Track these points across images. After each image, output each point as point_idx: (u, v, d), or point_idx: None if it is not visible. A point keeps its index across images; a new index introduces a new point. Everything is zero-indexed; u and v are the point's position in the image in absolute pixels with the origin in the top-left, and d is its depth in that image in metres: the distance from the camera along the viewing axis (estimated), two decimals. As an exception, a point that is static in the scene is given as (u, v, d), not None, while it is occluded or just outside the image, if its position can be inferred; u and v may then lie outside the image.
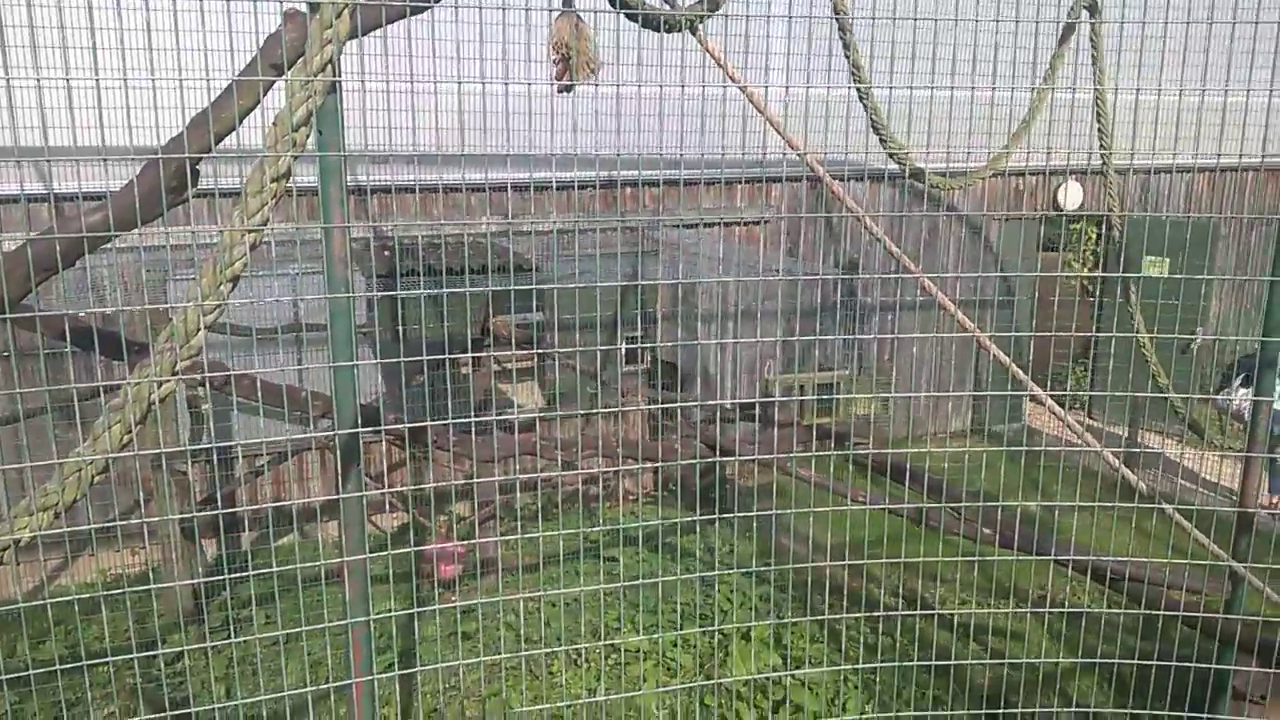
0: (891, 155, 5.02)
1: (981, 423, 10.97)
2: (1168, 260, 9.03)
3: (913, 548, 6.49)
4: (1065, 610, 6.61)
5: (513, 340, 7.90)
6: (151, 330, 5.97)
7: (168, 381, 2.29)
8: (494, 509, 7.54)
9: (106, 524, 6.31)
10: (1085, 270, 10.53)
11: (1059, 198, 10.50)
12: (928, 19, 3.46)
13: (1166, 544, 6.25)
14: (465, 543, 7.47)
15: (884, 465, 6.41)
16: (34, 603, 6.32)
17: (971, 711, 5.70)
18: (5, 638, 6.33)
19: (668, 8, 3.45)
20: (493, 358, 8.07)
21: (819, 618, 5.89)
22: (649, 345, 8.61)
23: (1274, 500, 8.90)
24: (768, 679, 5.99)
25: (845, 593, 6.43)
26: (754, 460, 6.57)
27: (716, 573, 6.84)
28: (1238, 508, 4.61)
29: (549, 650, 5.85)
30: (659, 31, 3.26)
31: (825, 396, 8.43)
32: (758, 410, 7.95)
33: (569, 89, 3.45)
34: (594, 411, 7.73)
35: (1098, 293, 10.53)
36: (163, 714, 4.60)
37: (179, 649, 5.86)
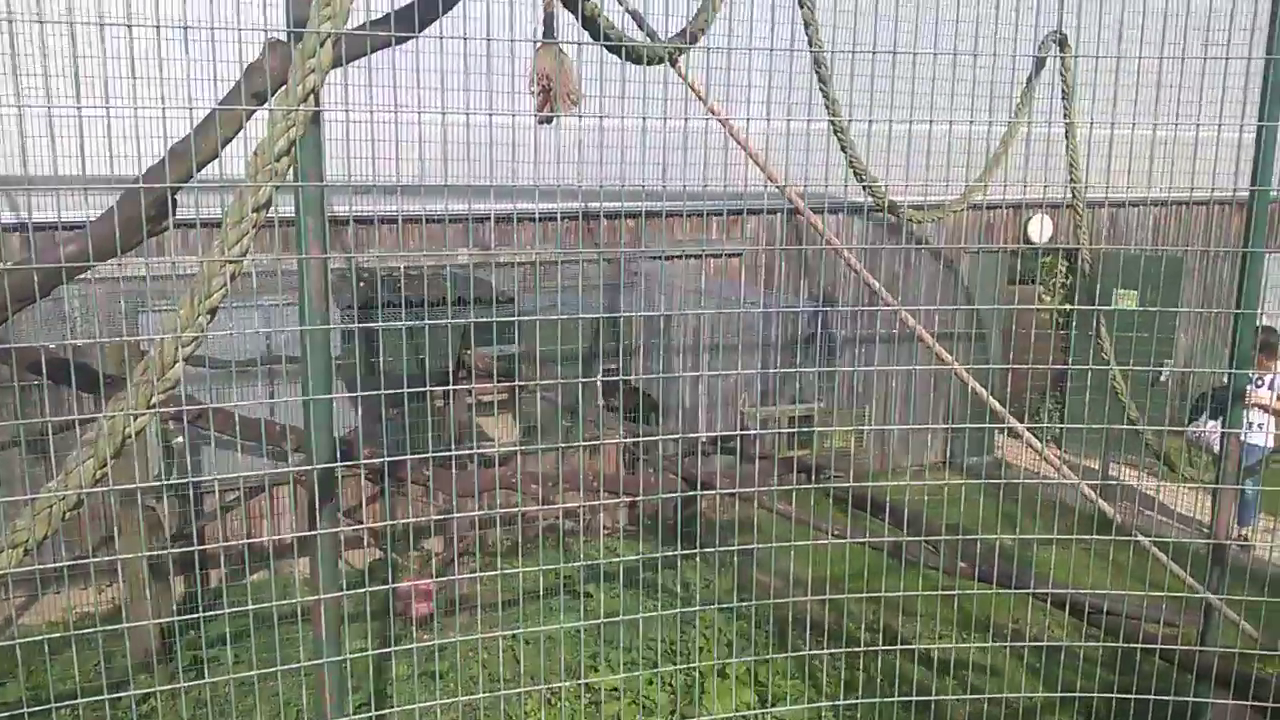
0: (866, 188, 5.06)
1: (953, 456, 11.01)
2: (1135, 293, 9.15)
3: (889, 583, 6.47)
4: (1043, 645, 6.61)
5: (492, 373, 7.85)
6: (120, 364, 5.88)
7: (144, 415, 2.24)
8: (468, 545, 7.46)
9: (75, 561, 6.15)
10: (1056, 303, 10.64)
11: (1029, 231, 10.63)
12: (904, 52, 3.49)
13: (1140, 577, 6.28)
14: (438, 581, 7.37)
15: (859, 499, 6.41)
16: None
17: (951, 747, 5.67)
18: (-36, 679, 6.16)
19: (648, 40, 3.47)
20: (468, 391, 8.02)
21: (796, 654, 5.85)
22: (625, 378, 8.59)
23: (1243, 533, 8.96)
24: (744, 717, 5.92)
25: (824, 630, 6.39)
26: (731, 494, 6.54)
27: (695, 608, 6.78)
28: (1211, 540, 4.64)
29: (523, 690, 5.77)
30: (639, 64, 3.27)
31: (802, 430, 8.44)
32: (736, 444, 7.94)
33: (550, 120, 3.45)
34: (570, 445, 7.68)
35: (1070, 325, 10.64)
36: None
37: (147, 690, 5.72)
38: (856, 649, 5.98)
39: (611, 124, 3.56)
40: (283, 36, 3.08)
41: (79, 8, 6.10)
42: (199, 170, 2.80)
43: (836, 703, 5.70)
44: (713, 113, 3.49)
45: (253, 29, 2.73)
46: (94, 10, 5.73)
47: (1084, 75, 6.85)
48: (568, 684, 6.07)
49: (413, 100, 3.33)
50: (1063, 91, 6.01)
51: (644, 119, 2.85)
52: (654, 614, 3.86)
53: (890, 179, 5.75)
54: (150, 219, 2.63)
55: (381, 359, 7.13)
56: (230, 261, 2.15)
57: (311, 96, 2.07)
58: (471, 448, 6.91)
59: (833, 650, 5.52)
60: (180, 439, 6.97)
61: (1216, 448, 8.28)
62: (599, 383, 8.45)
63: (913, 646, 6.85)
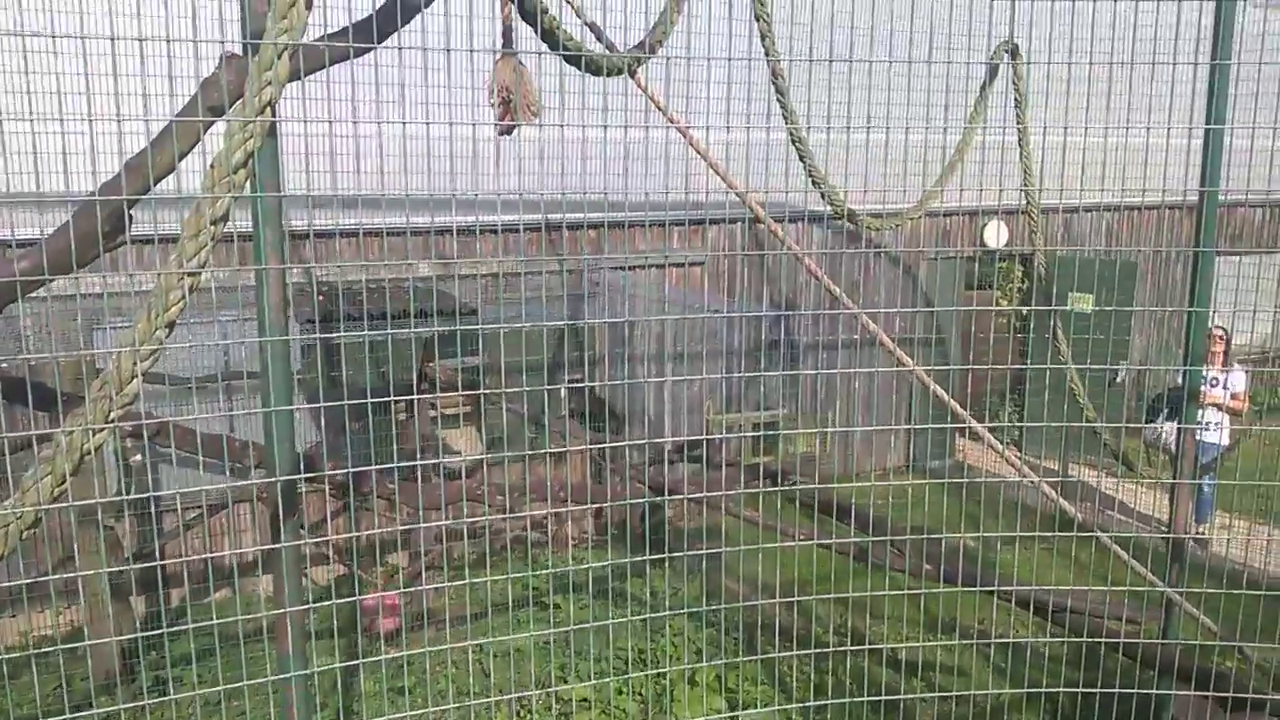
0: (824, 196, 5.11)
1: (915, 459, 11.12)
2: (1091, 296, 9.31)
3: (855, 586, 6.51)
4: (1008, 641, 6.68)
5: (456, 383, 7.82)
6: (76, 381, 5.79)
7: (102, 430, 2.22)
8: (433, 558, 7.41)
9: (36, 579, 6.06)
10: (1012, 307, 10.80)
11: (985, 237, 10.79)
12: (860, 61, 3.54)
13: (1101, 576, 6.37)
14: (402, 591, 7.32)
15: (824, 503, 6.45)
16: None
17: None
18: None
19: (606, 52, 3.49)
20: (430, 403, 7.98)
21: (764, 657, 5.88)
22: (586, 383, 8.59)
23: (1200, 529, 9.10)
24: (713, 724, 5.95)
25: (792, 634, 6.42)
26: (696, 499, 6.56)
27: (664, 613, 6.79)
28: (1170, 534, 4.73)
29: (492, 700, 5.74)
30: (598, 75, 3.29)
31: (767, 433, 8.48)
32: (703, 450, 7.96)
33: (511, 131, 3.46)
34: (536, 452, 7.66)
35: (1028, 329, 10.79)
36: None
37: (109, 709, 5.63)
38: (825, 649, 6.03)
39: (572, 135, 3.58)
40: (239, 49, 3.07)
41: (32, 23, 6.02)
42: (155, 184, 2.79)
43: (806, 704, 5.73)
44: (671, 122, 3.52)
45: (209, 41, 2.72)
46: (46, 25, 5.67)
47: (1036, 84, 6.99)
48: (537, 693, 6.05)
49: (372, 114, 3.33)
50: (1015, 99, 6.13)
51: (605, 128, 2.87)
52: (621, 619, 3.86)
53: (848, 187, 5.82)
54: (106, 234, 2.61)
55: (344, 372, 7.09)
56: (188, 274, 2.14)
57: (269, 109, 2.07)
58: (436, 460, 6.88)
59: (801, 652, 5.55)
60: (139, 457, 6.88)
61: (1175, 447, 8.44)
62: (563, 391, 8.45)
63: (879, 646, 6.91)
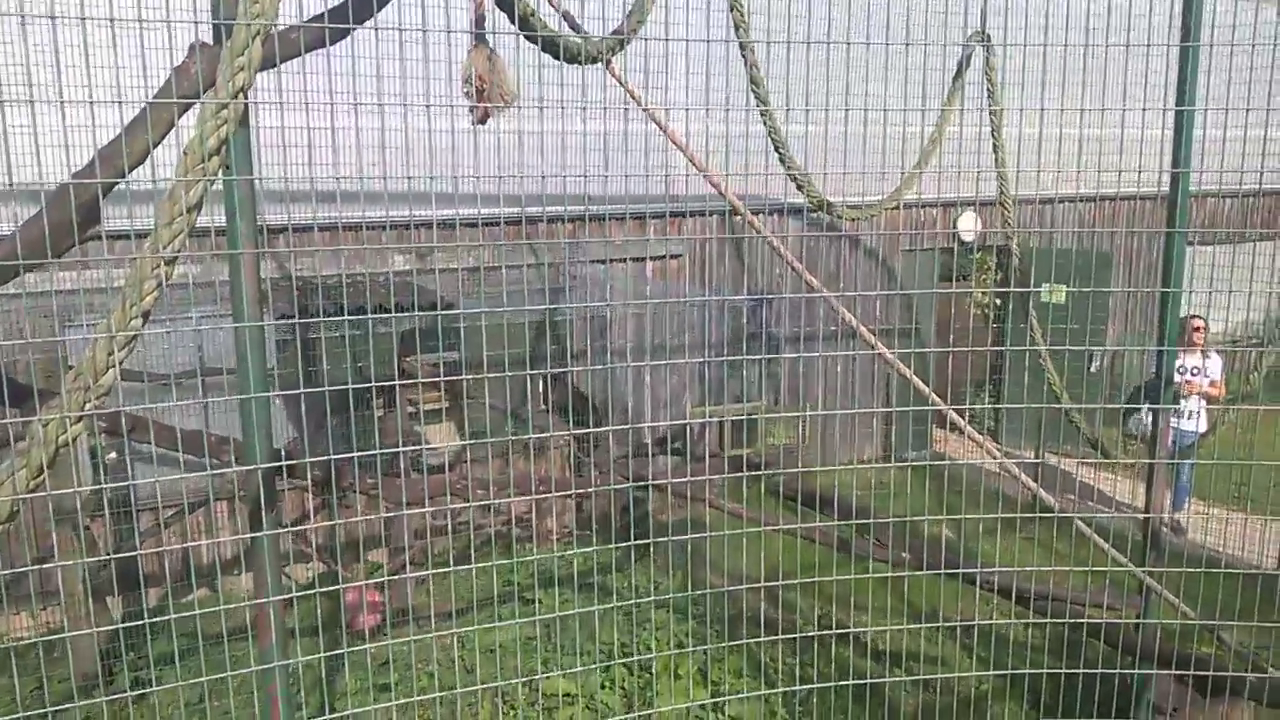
0: (800, 187, 5.13)
1: (893, 450, 11.17)
2: (1064, 287, 9.38)
3: (835, 574, 6.54)
4: (991, 623, 6.73)
5: (433, 379, 7.79)
6: (49, 379, 5.73)
7: (79, 422, 2.20)
8: (414, 553, 7.38)
9: (15, 570, 6.01)
10: (987, 299, 10.87)
11: (959, 228, 10.85)
12: (838, 42, 3.55)
13: (1078, 563, 6.42)
14: (384, 579, 7.29)
15: (804, 495, 6.48)
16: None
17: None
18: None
19: (581, 41, 3.49)
20: (407, 398, 7.95)
21: (740, 642, 5.90)
22: (563, 371, 8.57)
23: (1176, 517, 9.18)
24: (698, 716, 5.95)
25: (775, 625, 6.44)
26: (676, 490, 6.57)
27: (646, 600, 6.79)
28: (1145, 515, 4.77)
29: (473, 689, 5.72)
30: (573, 63, 3.29)
31: (747, 418, 8.50)
32: (681, 443, 7.97)
33: (485, 119, 3.45)
34: (517, 437, 7.65)
35: (1003, 320, 10.87)
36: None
37: (88, 704, 5.58)
38: (808, 636, 6.05)
39: (549, 126, 3.57)
40: (210, 38, 3.04)
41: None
42: (129, 172, 2.76)
43: (791, 688, 5.74)
44: (647, 112, 3.52)
45: (182, 21, 2.69)
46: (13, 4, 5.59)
47: (1011, 75, 7.03)
48: (520, 680, 6.04)
49: (347, 106, 3.31)
50: (988, 89, 6.16)
51: (584, 107, 2.86)
52: (605, 607, 3.87)
53: (822, 177, 5.84)
54: (80, 224, 2.58)
55: (322, 367, 7.05)
56: (163, 263, 2.12)
57: (242, 93, 2.05)
58: (415, 449, 6.86)
59: (783, 637, 5.56)
60: (114, 454, 6.82)
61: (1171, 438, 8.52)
62: (542, 384, 8.43)
63: (861, 630, 6.93)
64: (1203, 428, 8.98)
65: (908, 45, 3.80)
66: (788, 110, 5.02)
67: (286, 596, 3.09)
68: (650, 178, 4.05)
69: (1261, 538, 7.99)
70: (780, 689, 5.78)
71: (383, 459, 7.04)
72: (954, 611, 7.26)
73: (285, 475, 4.36)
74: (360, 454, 3.22)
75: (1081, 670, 4.36)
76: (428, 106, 3.27)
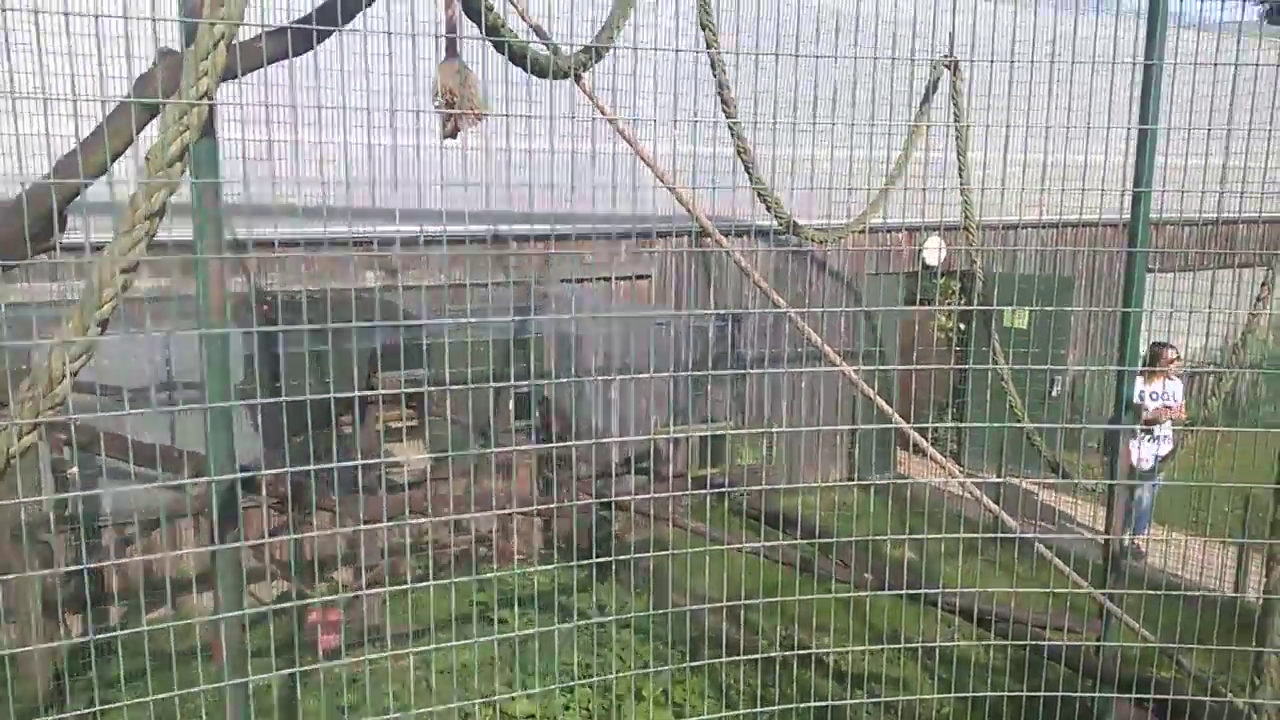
0: (769, 208, 5.16)
1: (857, 473, 11.22)
2: (1027, 310, 9.49)
3: (797, 595, 6.54)
4: (949, 644, 6.75)
5: (401, 396, 7.73)
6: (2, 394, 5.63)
7: (31, 431, 2.16)
8: (377, 573, 7.30)
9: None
10: (951, 324, 10.97)
11: (924, 254, 10.96)
12: (806, 55, 3.58)
13: (1039, 585, 6.47)
14: (345, 595, 7.20)
15: (768, 515, 6.48)
16: None
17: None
18: None
19: (551, 55, 3.50)
20: (376, 415, 7.88)
21: (702, 662, 5.87)
22: (534, 384, 8.53)
23: (1136, 540, 9.25)
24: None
25: (737, 646, 6.42)
26: (641, 510, 6.55)
27: (612, 618, 6.75)
28: (1104, 537, 4.81)
29: (434, 709, 5.65)
30: (543, 77, 3.29)
31: (713, 434, 8.50)
32: (650, 461, 7.96)
33: (455, 134, 3.44)
34: (485, 451, 7.59)
35: (966, 344, 10.97)
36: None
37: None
38: (769, 655, 6.02)
39: (518, 144, 3.57)
40: (176, 47, 3.01)
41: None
42: (89, 182, 2.72)
43: (753, 710, 5.71)
44: (618, 130, 3.53)
45: (141, 18, 2.64)
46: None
47: (977, 99, 7.12)
48: (482, 701, 5.97)
49: (313, 116, 3.29)
50: (954, 114, 6.24)
51: (550, 118, 2.86)
52: (557, 626, 3.84)
53: (790, 198, 5.88)
54: (34, 236, 2.54)
55: (283, 383, 6.97)
56: (121, 270, 2.09)
57: (206, 98, 2.03)
58: (380, 472, 6.79)
59: (745, 658, 5.54)
60: (74, 469, 6.69)
61: (1137, 462, 8.59)
62: (511, 401, 8.39)
63: (824, 651, 6.92)
64: (1165, 450, 9.10)
65: (875, 60, 3.84)
66: (754, 125, 5.06)
67: (240, 613, 3.04)
68: (621, 195, 4.06)
69: (1219, 562, 8.09)
70: (742, 710, 5.75)
71: (350, 476, 6.97)
72: (915, 633, 7.28)
73: (247, 491, 4.30)
74: (316, 467, 3.19)
75: (1042, 693, 4.37)
76: (392, 111, 3.26)
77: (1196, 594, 4.76)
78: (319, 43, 3.27)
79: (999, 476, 9.96)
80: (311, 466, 3.10)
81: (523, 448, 5.84)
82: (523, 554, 8.77)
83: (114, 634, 3.33)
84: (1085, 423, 10.57)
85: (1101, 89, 3.90)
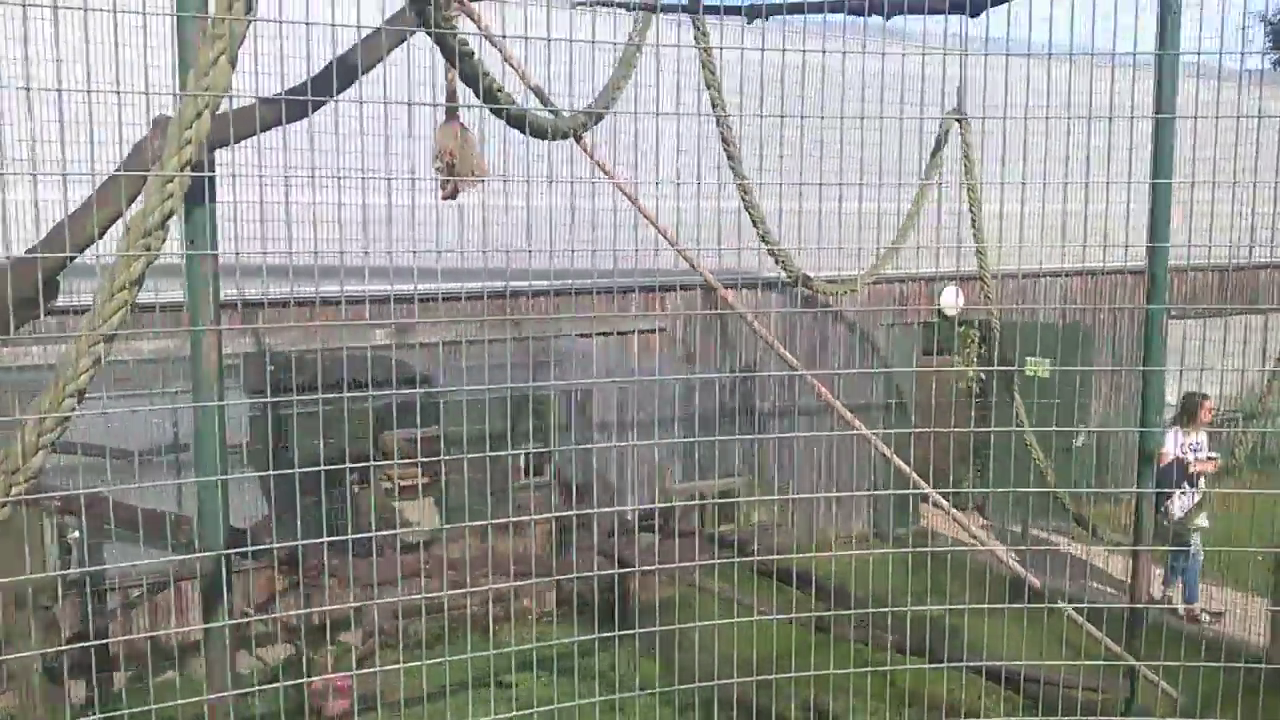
0: (778, 261, 5.11)
1: (878, 526, 11.01)
2: (1048, 360, 9.35)
3: (818, 659, 6.36)
4: (977, 713, 6.53)
5: (410, 454, 7.66)
6: None
7: (3, 506, 2.09)
8: (387, 636, 7.18)
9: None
10: (972, 374, 10.83)
11: (941, 302, 10.86)
12: (812, 117, 3.54)
13: (1070, 644, 6.27)
14: (353, 674, 7.07)
15: (785, 573, 6.32)
16: None
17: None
18: None
19: (551, 117, 3.47)
20: (384, 476, 7.81)
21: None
22: (546, 449, 8.45)
23: (1196, 609, 8.91)
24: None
25: (753, 710, 6.25)
26: (656, 571, 6.43)
27: (628, 694, 6.58)
28: (1128, 604, 4.65)
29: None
30: (540, 138, 3.26)
31: (725, 499, 8.37)
32: (660, 521, 7.84)
33: (454, 195, 3.41)
34: (498, 520, 7.48)
35: (987, 394, 10.82)
36: None
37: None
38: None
39: (522, 202, 3.54)
40: (171, 113, 3.00)
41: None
42: (79, 252, 2.69)
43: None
44: (619, 188, 3.49)
45: (130, 91, 2.64)
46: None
47: (993, 152, 7.07)
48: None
49: (314, 182, 3.27)
50: (965, 165, 6.20)
51: (551, 181, 2.82)
52: (582, 701, 3.72)
53: (802, 253, 5.82)
54: (22, 302, 2.50)
55: (293, 445, 6.92)
56: (97, 341, 2.04)
57: (188, 167, 1.99)
58: (385, 533, 6.71)
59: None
60: (76, 534, 6.64)
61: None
62: (523, 462, 8.31)
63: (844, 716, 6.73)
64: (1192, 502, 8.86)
65: (882, 119, 3.79)
66: (760, 181, 5.02)
67: (239, 692, 2.94)
68: (627, 253, 4.01)
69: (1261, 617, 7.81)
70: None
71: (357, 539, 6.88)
72: (939, 694, 7.06)
73: (250, 555, 4.22)
74: (321, 540, 3.11)
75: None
76: (400, 178, 3.23)
77: (1218, 661, 4.58)
78: (314, 111, 3.25)
79: (1024, 532, 9.76)
80: (290, 540, 3.02)
81: (534, 517, 5.74)
82: (536, 614, 8.63)
83: (110, 715, 3.24)
84: (1111, 473, 10.38)
85: (1118, 140, 3.85)
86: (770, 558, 6.14)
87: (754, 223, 5.31)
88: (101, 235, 2.87)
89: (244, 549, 3.31)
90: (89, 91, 2.75)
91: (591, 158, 3.41)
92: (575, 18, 4.49)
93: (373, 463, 7.41)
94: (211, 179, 3.25)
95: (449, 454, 7.75)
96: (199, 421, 3.20)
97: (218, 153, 3.29)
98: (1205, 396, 8.77)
